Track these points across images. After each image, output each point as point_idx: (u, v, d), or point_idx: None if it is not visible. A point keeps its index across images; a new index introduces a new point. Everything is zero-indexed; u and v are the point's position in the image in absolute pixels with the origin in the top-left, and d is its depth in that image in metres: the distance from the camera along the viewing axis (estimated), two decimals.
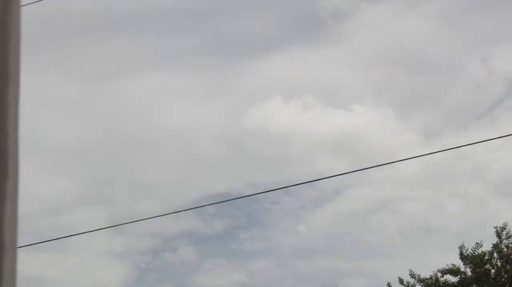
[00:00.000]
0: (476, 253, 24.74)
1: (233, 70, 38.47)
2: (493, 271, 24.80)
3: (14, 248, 1.75)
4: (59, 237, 14.03)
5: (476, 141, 15.25)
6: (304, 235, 35.05)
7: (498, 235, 25.03)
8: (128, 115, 37.09)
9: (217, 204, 31.85)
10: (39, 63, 29.63)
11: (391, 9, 36.39)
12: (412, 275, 25.17)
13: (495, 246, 24.78)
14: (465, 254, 24.84)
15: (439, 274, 25.03)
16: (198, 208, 35.82)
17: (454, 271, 24.91)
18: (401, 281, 25.17)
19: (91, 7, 33.44)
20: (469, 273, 24.89)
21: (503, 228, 25.03)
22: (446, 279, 25.00)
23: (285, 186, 13.28)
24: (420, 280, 25.08)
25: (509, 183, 32.50)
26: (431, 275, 25.07)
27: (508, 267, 24.64)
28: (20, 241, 1.82)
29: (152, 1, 35.84)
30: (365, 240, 35.17)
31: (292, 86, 36.94)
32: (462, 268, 24.99)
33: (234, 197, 14.68)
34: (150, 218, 13.92)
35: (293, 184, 13.91)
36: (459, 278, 24.92)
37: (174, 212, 13.68)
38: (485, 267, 24.70)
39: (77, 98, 35.50)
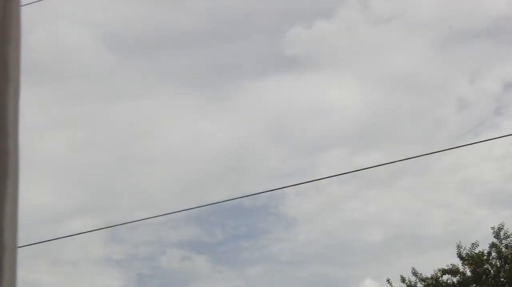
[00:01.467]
0: (474, 253, 24.77)
1: (232, 89, 38.84)
2: (492, 271, 24.82)
3: (14, 248, 1.75)
4: (59, 237, 14.02)
5: (475, 141, 15.27)
6: (300, 242, 36.22)
7: (496, 235, 25.05)
8: (131, 131, 37.51)
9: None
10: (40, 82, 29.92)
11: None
12: (415, 273, 25.21)
13: (494, 246, 24.80)
14: (463, 255, 24.87)
15: (439, 274, 25.06)
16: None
17: (453, 271, 24.93)
18: (403, 279, 25.20)
19: (91, 29, 34.10)
20: (469, 273, 24.91)
21: (500, 228, 25.06)
22: (447, 279, 25.02)
23: (285, 186, 13.29)
24: (421, 279, 25.11)
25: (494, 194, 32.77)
26: (431, 275, 25.10)
27: (507, 267, 24.65)
28: (20, 242, 1.82)
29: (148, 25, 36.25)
30: (359, 246, 36.09)
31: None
32: (461, 268, 25.03)
33: (234, 198, 14.68)
34: (147, 218, 13.92)
35: (293, 184, 13.91)
36: (458, 278, 24.95)
37: (172, 213, 13.68)
38: (484, 267, 24.72)
39: (79, 116, 35.88)
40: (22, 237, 1.90)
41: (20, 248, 1.79)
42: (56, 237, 13.91)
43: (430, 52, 36.10)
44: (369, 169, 13.60)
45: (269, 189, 13.87)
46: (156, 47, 36.52)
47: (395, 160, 13.09)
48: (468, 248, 24.84)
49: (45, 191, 34.60)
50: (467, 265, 24.87)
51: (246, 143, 36.92)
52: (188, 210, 13.13)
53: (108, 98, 37.38)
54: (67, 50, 35.07)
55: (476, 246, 24.84)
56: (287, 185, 14.29)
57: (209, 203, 13.34)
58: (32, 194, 29.14)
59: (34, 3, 11.62)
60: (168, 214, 13.57)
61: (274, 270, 35.78)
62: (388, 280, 25.38)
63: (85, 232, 14.41)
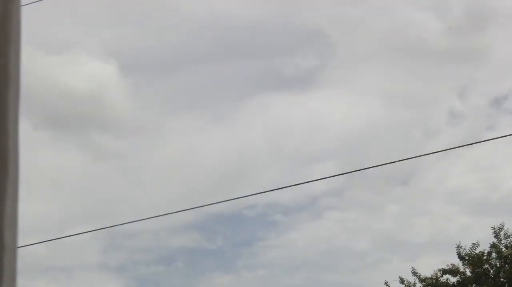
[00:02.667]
0: (474, 253, 24.75)
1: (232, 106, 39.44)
2: (492, 271, 24.80)
3: (14, 248, 1.74)
4: (58, 237, 14.02)
5: (475, 141, 15.26)
6: (297, 249, 37.63)
7: (496, 235, 25.03)
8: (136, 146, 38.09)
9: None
10: None
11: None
12: (414, 273, 25.19)
13: (494, 246, 24.78)
14: (463, 255, 24.85)
15: (439, 274, 25.04)
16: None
17: (453, 271, 24.91)
18: (401, 280, 25.17)
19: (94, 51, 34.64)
20: (469, 273, 24.89)
21: (500, 228, 25.03)
22: (447, 279, 25.01)
23: (284, 186, 13.27)
24: (421, 280, 25.09)
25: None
26: (431, 275, 25.08)
27: (507, 267, 24.64)
28: (20, 242, 1.82)
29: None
30: (352, 253, 37.33)
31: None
32: (461, 268, 25.01)
33: (232, 198, 14.66)
34: (147, 219, 13.91)
35: (292, 184, 13.90)
36: (458, 278, 24.93)
37: (171, 213, 13.67)
38: (484, 267, 24.70)
39: None
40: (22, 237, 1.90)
41: (20, 248, 1.79)
42: (56, 237, 13.91)
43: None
44: (368, 168, 13.60)
45: (269, 189, 13.87)
46: (157, 68, 37.41)
47: (394, 161, 13.09)
48: (468, 249, 24.84)
49: (45, 201, 34.98)
50: (467, 265, 24.85)
51: (245, 156, 38.34)
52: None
53: None
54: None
55: (477, 246, 24.84)
56: (287, 185, 14.27)
57: (209, 203, 13.33)
58: (34, 204, 29.44)
59: (34, 3, 11.62)
60: (167, 214, 13.57)
61: (270, 275, 37.18)
62: (386, 283, 25.37)
63: (84, 232, 14.42)
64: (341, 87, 38.99)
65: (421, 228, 35.12)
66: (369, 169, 13.68)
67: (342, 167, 37.44)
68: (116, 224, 14.48)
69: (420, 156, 13.13)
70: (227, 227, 38.31)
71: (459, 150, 34.67)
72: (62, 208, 36.03)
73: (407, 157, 13.47)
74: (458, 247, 24.87)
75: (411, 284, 25.10)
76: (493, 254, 24.74)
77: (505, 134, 12.64)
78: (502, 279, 24.65)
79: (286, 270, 36.84)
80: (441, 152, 14.43)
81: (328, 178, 14.18)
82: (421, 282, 25.08)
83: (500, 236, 24.96)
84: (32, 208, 28.87)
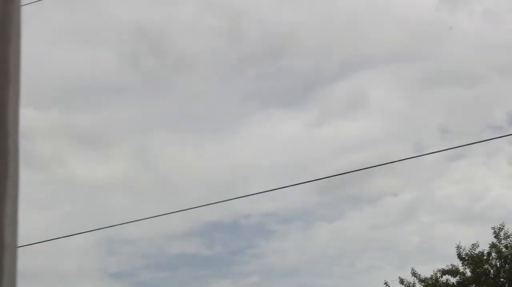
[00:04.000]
0: (474, 253, 24.74)
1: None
2: (492, 271, 24.80)
3: (14, 248, 1.74)
4: (58, 237, 14.01)
5: (474, 141, 15.26)
6: (291, 256, 38.67)
7: (496, 235, 25.02)
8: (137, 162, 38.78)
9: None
10: None
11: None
12: (414, 274, 25.18)
13: (493, 246, 24.77)
14: (463, 255, 24.85)
15: (439, 274, 25.03)
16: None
17: (453, 271, 24.90)
18: (401, 281, 25.17)
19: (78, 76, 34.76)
20: (468, 274, 24.88)
21: (500, 228, 25.02)
22: (446, 279, 25.01)
23: (284, 186, 13.26)
24: (421, 280, 25.08)
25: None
26: (431, 275, 25.07)
27: (507, 267, 24.63)
28: (20, 242, 1.82)
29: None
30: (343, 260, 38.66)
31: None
32: (461, 269, 25.00)
33: (232, 198, 14.66)
34: (146, 218, 13.90)
35: (292, 184, 13.89)
36: (458, 278, 24.92)
37: (171, 212, 13.66)
38: (484, 267, 24.69)
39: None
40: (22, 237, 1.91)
41: (20, 248, 1.79)
42: (56, 237, 13.91)
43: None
44: (368, 169, 13.61)
45: (268, 190, 13.87)
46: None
47: (393, 161, 13.10)
48: (468, 249, 24.83)
49: (46, 211, 35.28)
50: (467, 265, 24.83)
51: (241, 169, 38.96)
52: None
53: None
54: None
55: (477, 247, 24.83)
56: (286, 186, 14.27)
57: (208, 203, 13.34)
58: (34, 213, 29.66)
59: (34, 3, 11.62)
60: (167, 214, 13.56)
61: (265, 280, 38.10)
62: (386, 283, 25.37)
63: (84, 232, 14.41)
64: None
65: (409, 236, 36.88)
66: (369, 170, 13.69)
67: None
68: (115, 224, 14.47)
69: (419, 156, 13.14)
70: (224, 235, 39.56)
71: (446, 163, 36.97)
72: (61, 217, 36.36)
73: (407, 158, 13.48)
74: (458, 247, 24.88)
75: (411, 284, 25.10)
76: (493, 254, 24.73)
77: (505, 134, 12.64)
78: (502, 279, 24.64)
79: (279, 276, 37.86)
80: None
81: (328, 178, 14.18)
82: (420, 283, 25.07)
83: (500, 236, 24.95)
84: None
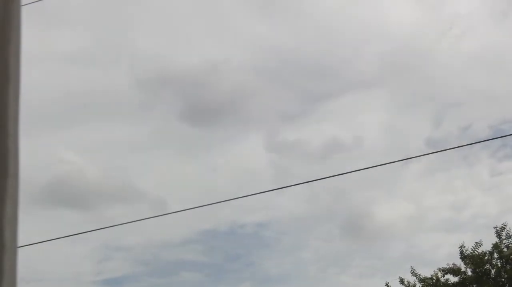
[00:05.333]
0: (476, 253, 24.71)
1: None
2: (493, 271, 24.78)
3: (14, 248, 1.75)
4: (58, 237, 14.00)
5: (474, 141, 15.26)
6: (284, 265, 39.45)
7: (498, 235, 24.99)
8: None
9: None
10: None
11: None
12: (414, 274, 25.17)
13: (495, 246, 24.75)
14: (465, 254, 24.82)
15: (439, 274, 25.01)
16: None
17: (454, 271, 24.88)
18: (401, 281, 25.16)
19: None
20: (470, 273, 24.86)
21: (502, 228, 24.99)
22: (447, 279, 24.99)
23: (283, 186, 13.24)
24: (421, 280, 25.06)
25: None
26: (431, 275, 25.05)
27: (508, 267, 24.61)
28: (20, 242, 1.82)
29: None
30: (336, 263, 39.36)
31: None
32: (463, 268, 24.97)
33: (232, 198, 14.63)
34: (146, 218, 13.91)
35: (291, 184, 13.89)
36: (459, 278, 24.90)
37: (170, 213, 13.66)
38: (485, 267, 24.67)
39: None
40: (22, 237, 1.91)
41: (20, 248, 1.79)
42: (56, 237, 13.91)
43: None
44: (367, 169, 13.60)
45: (267, 190, 13.86)
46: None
47: (395, 160, 13.09)
48: (471, 248, 24.81)
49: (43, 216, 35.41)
50: (468, 265, 24.80)
51: (240, 177, 39.83)
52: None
53: None
54: None
55: (480, 246, 24.80)
56: (285, 186, 14.27)
57: (207, 204, 13.34)
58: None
59: (34, 3, 11.62)
60: (167, 214, 13.57)
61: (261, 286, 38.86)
62: (386, 284, 25.38)
63: (84, 232, 14.41)
64: None
65: (397, 243, 37.84)
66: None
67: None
68: (115, 224, 14.47)
69: (417, 156, 13.14)
70: (221, 243, 40.25)
71: (432, 173, 37.85)
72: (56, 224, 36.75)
73: (408, 157, 13.48)
74: (461, 247, 24.85)
75: (411, 284, 25.08)
76: (495, 254, 24.70)
77: (505, 134, 12.64)
78: (503, 279, 24.62)
79: (273, 282, 38.41)
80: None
81: (328, 178, 14.17)
82: (420, 282, 25.06)
83: (502, 236, 24.92)
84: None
